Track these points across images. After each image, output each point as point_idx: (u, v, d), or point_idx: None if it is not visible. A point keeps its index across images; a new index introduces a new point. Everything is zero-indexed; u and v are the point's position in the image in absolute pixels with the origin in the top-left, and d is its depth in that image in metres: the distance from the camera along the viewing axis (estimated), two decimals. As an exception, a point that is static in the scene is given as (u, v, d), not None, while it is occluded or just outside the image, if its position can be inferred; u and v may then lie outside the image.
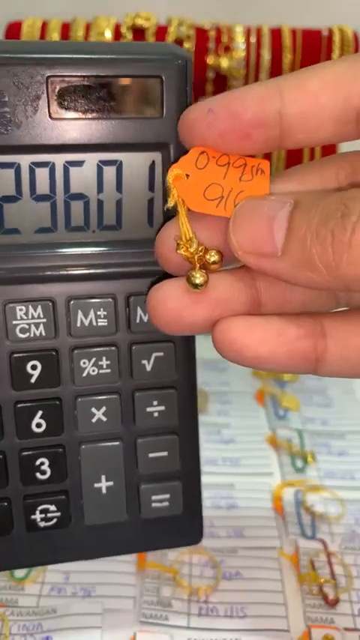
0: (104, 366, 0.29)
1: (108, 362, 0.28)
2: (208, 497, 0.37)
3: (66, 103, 0.25)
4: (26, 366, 0.28)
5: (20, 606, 0.30)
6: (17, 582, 0.31)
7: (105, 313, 0.28)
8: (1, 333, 0.27)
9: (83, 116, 0.25)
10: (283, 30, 0.46)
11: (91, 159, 0.26)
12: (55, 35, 0.45)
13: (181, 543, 0.32)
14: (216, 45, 0.46)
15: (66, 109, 0.25)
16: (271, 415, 0.44)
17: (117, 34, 0.45)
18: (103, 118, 0.25)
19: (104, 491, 0.30)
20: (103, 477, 0.30)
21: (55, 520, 0.30)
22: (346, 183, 0.23)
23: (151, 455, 0.30)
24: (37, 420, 0.28)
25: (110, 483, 0.30)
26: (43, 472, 0.29)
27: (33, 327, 0.27)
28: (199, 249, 0.23)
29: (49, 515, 0.29)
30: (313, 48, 0.46)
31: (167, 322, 0.23)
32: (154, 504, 0.30)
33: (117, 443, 0.29)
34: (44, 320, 0.27)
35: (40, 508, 0.29)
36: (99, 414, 0.29)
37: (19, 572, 0.31)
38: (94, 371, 0.28)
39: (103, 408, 0.29)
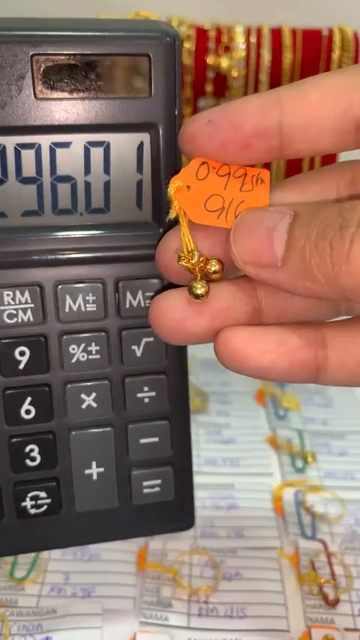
0: (94, 352, 0.28)
1: (97, 347, 0.28)
2: (208, 497, 0.37)
3: (51, 82, 0.24)
4: (14, 352, 0.27)
5: (20, 606, 0.30)
6: (17, 582, 0.31)
7: (94, 298, 0.28)
8: None
9: (69, 96, 0.24)
10: (283, 30, 0.46)
11: (78, 140, 0.25)
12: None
13: (173, 529, 0.32)
14: (216, 45, 0.45)
15: (52, 88, 0.24)
16: (271, 415, 0.44)
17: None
18: (90, 98, 0.25)
19: (95, 477, 0.30)
20: (94, 464, 0.30)
21: (45, 507, 0.29)
22: (346, 192, 0.24)
23: (142, 441, 0.30)
24: (26, 406, 0.28)
25: (101, 470, 0.30)
26: (33, 459, 0.29)
27: (21, 313, 0.27)
28: (200, 259, 0.23)
29: (39, 502, 0.29)
30: (313, 48, 0.46)
31: (169, 332, 0.23)
32: (145, 490, 0.30)
33: (108, 429, 0.29)
34: (32, 305, 0.27)
35: (30, 495, 0.29)
36: (89, 400, 0.29)
37: (19, 573, 0.31)
38: (83, 357, 0.28)
39: (93, 394, 0.29)
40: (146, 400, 0.29)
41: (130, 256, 0.27)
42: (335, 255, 0.19)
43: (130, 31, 0.25)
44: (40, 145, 0.25)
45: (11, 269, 0.27)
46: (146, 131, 0.26)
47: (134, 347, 0.29)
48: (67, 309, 0.27)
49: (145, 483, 0.30)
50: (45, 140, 0.25)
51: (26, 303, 0.27)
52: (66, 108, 0.25)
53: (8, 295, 0.27)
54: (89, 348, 0.28)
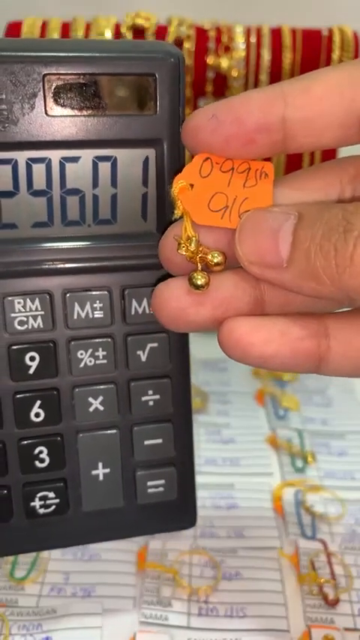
0: (101, 357, 0.29)
1: (104, 353, 0.29)
2: (208, 497, 0.37)
3: (62, 100, 0.25)
4: (25, 357, 0.28)
5: (20, 606, 0.30)
6: (17, 582, 0.31)
7: (101, 305, 0.29)
8: (0, 326, 0.28)
9: (79, 113, 0.26)
10: (283, 30, 0.46)
11: (87, 155, 0.26)
12: (55, 35, 0.45)
13: (175, 527, 0.33)
14: (216, 45, 0.45)
15: (62, 106, 0.25)
16: (271, 415, 0.44)
17: (117, 33, 0.45)
18: (98, 115, 0.26)
19: (101, 478, 0.30)
20: (100, 465, 0.30)
21: (53, 507, 0.30)
22: (349, 187, 0.24)
23: (146, 442, 0.31)
24: (35, 409, 0.29)
25: (107, 470, 0.30)
26: (42, 460, 0.30)
27: (31, 320, 0.28)
28: (200, 249, 0.23)
29: (47, 502, 0.30)
30: (313, 48, 0.46)
31: (171, 320, 0.23)
32: (149, 490, 0.31)
33: (114, 431, 0.30)
34: (42, 312, 0.28)
35: (39, 495, 0.30)
36: (96, 404, 0.30)
37: (19, 572, 0.31)
38: (90, 362, 0.29)
39: (100, 398, 0.30)
40: (151, 403, 0.30)
41: (136, 265, 0.28)
42: (339, 258, 0.20)
43: (136, 52, 0.26)
44: (50, 160, 0.26)
45: (22, 278, 0.28)
46: (152, 147, 0.27)
47: (139, 352, 0.29)
48: (75, 316, 0.28)
49: (149, 483, 0.31)
50: (55, 155, 0.26)
51: (36, 310, 0.28)
52: (75, 124, 0.26)
53: (19, 303, 0.28)
54: (96, 354, 0.29)
